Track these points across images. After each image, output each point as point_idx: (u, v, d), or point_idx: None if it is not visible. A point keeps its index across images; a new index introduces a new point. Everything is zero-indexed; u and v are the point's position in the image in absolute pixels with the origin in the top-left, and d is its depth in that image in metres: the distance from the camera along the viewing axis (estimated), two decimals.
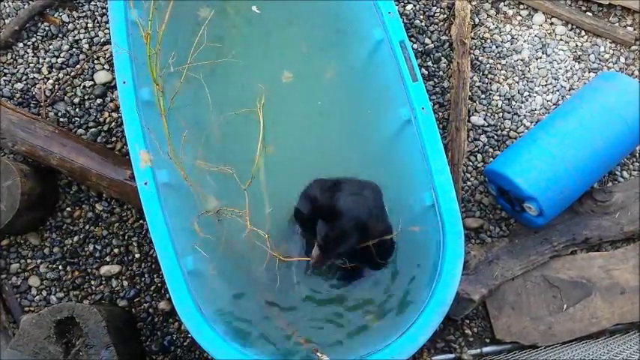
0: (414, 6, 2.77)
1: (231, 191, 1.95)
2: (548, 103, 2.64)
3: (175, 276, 1.76)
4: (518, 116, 2.61)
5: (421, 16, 2.76)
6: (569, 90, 2.66)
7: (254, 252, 1.95)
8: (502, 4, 2.80)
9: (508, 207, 2.36)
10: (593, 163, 2.24)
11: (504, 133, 2.58)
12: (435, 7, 2.77)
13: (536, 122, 2.58)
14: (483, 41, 2.73)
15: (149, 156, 1.86)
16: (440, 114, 2.59)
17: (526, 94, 2.65)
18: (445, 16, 2.77)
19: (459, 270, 1.80)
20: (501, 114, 2.62)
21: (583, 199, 2.38)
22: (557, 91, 2.66)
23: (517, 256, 2.31)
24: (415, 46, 2.69)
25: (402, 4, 2.76)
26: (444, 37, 2.72)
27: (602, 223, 2.38)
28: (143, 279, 2.35)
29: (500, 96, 2.65)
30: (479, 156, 2.55)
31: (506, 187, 2.27)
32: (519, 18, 2.79)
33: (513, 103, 2.63)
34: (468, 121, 2.58)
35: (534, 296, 2.29)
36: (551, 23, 2.77)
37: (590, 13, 2.78)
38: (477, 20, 2.76)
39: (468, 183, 2.51)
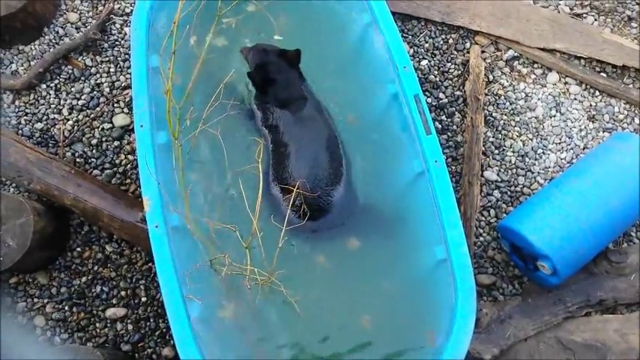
0: (429, 62, 2.82)
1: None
2: (562, 161, 2.63)
3: (180, 322, 1.74)
4: (532, 173, 2.61)
5: (436, 72, 2.80)
6: (584, 149, 2.66)
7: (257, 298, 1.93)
8: (516, 62, 2.84)
9: (521, 264, 2.33)
10: (608, 223, 2.21)
11: (518, 189, 2.57)
12: (450, 64, 2.82)
13: (550, 180, 2.57)
14: (497, 98, 2.76)
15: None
16: (453, 168, 2.59)
17: (540, 151, 2.65)
18: (460, 72, 2.81)
19: (471, 328, 1.75)
20: (515, 170, 2.61)
21: (598, 259, 2.33)
22: (572, 149, 2.66)
23: (530, 316, 2.25)
24: (429, 100, 2.72)
25: (418, 59, 2.81)
26: (458, 93, 2.76)
27: (617, 284, 2.33)
28: (148, 323, 2.32)
29: (513, 152, 2.65)
30: (492, 211, 2.53)
31: (519, 244, 2.24)
32: (533, 76, 2.82)
33: (527, 159, 2.63)
34: (481, 175, 2.58)
35: (547, 358, 2.22)
36: (566, 82, 2.80)
37: (604, 74, 2.81)
38: (491, 77, 2.80)
39: (481, 238, 2.48)
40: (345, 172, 2.10)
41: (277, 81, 2.19)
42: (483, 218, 2.52)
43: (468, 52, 2.84)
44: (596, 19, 2.93)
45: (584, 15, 2.94)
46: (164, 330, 2.30)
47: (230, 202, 2.09)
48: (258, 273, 1.79)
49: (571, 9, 2.95)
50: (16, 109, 2.63)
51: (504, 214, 2.51)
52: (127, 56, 2.76)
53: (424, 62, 2.81)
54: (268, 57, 2.20)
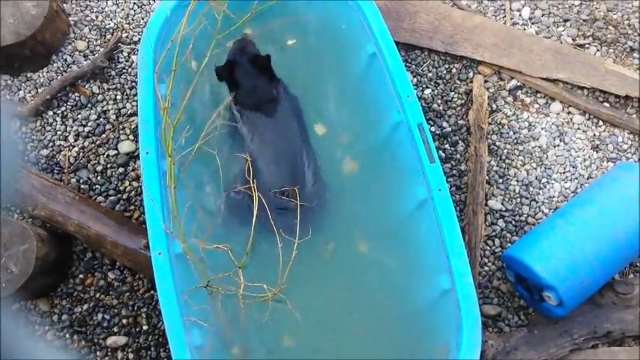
0: (433, 90, 2.84)
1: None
2: (567, 190, 2.63)
3: (182, 351, 1.72)
4: (537, 202, 2.60)
5: (439, 101, 2.82)
6: (588, 178, 2.65)
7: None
8: (520, 92, 2.86)
9: (527, 295, 2.30)
10: (614, 254, 2.19)
11: (522, 218, 2.56)
12: (453, 93, 2.84)
13: (555, 209, 2.56)
14: (501, 127, 2.77)
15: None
16: (457, 196, 2.59)
17: (544, 180, 2.65)
18: (463, 101, 2.82)
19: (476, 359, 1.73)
20: (519, 199, 2.61)
21: (604, 290, 2.31)
22: (576, 179, 2.65)
23: (536, 348, 2.22)
24: (433, 129, 2.73)
25: (421, 88, 2.83)
26: (461, 122, 2.77)
27: (624, 316, 2.29)
28: (149, 352, 2.29)
29: (517, 181, 2.65)
30: (496, 241, 2.51)
31: (524, 274, 2.23)
32: (537, 106, 2.83)
33: (531, 189, 2.63)
34: (486, 204, 2.57)
35: None
36: (569, 112, 2.81)
37: (607, 104, 2.82)
38: (494, 106, 2.81)
39: (486, 268, 2.46)
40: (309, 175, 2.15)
41: (242, 84, 2.22)
42: (488, 248, 2.50)
43: (471, 82, 2.86)
44: (598, 50, 2.96)
45: (587, 45, 2.97)
46: (165, 359, 2.27)
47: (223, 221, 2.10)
48: (260, 289, 1.79)
49: (573, 39, 2.98)
50: (23, 136, 2.65)
51: (509, 244, 2.50)
52: (133, 84, 2.78)
53: (427, 91, 2.83)
54: (241, 58, 2.22)
